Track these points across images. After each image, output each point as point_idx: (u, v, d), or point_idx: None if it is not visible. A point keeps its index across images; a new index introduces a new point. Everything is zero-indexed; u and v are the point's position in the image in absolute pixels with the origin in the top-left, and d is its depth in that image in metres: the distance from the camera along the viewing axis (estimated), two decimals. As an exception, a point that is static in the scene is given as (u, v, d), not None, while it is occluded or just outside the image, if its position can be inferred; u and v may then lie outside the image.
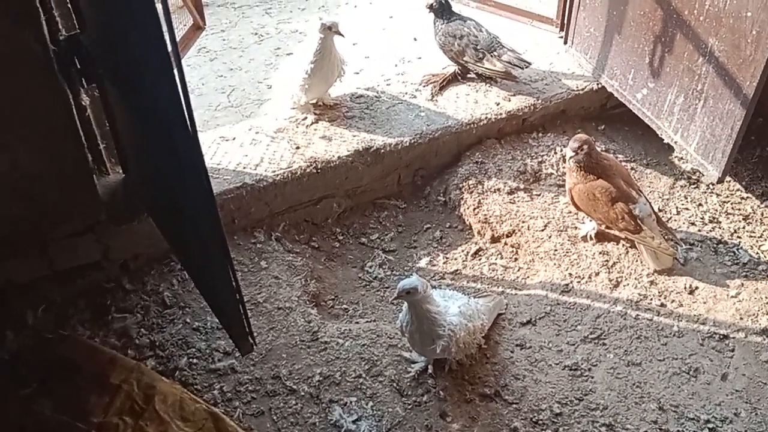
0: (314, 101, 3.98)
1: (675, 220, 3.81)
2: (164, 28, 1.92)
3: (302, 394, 3.00)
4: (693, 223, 3.79)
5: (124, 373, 2.90)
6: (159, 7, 1.92)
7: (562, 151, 4.03)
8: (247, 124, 3.93)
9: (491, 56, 4.06)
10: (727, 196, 3.94)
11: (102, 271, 3.39)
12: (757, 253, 3.63)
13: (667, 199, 3.93)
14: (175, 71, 1.95)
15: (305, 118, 3.92)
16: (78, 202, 3.12)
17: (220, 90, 5.05)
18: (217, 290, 2.58)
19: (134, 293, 3.37)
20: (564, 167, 3.96)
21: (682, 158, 4.13)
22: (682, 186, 4.02)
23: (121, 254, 3.40)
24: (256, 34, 5.46)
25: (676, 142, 3.70)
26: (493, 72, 4.09)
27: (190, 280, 3.39)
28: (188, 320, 3.28)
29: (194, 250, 2.67)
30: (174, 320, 3.28)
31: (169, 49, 1.91)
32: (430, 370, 3.07)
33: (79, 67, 2.86)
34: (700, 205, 3.90)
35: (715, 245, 3.67)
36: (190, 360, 3.12)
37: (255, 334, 3.15)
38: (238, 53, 5.27)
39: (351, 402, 2.98)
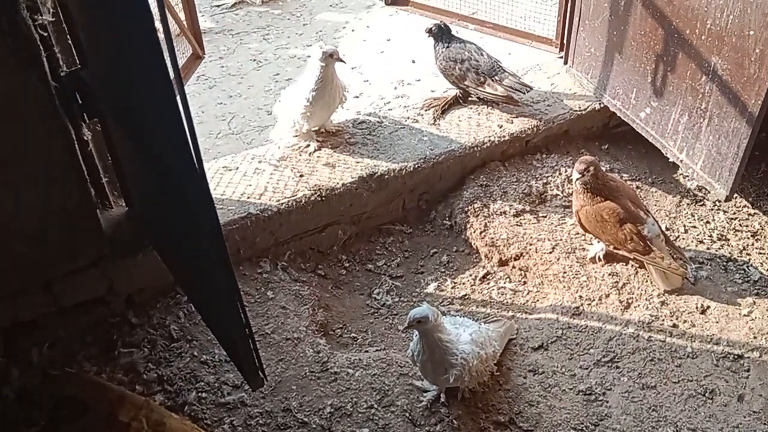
0: (316, 128, 3.97)
1: (683, 239, 3.79)
2: (167, 59, 1.90)
3: (314, 426, 2.95)
4: (701, 242, 3.77)
5: (133, 411, 2.85)
6: (161, 36, 1.89)
7: (566, 172, 4.02)
8: (250, 153, 3.91)
9: (492, 81, 4.07)
10: (734, 213, 3.93)
11: (107, 305, 3.35)
12: None
13: (674, 218, 3.91)
14: (180, 106, 1.92)
15: (308, 145, 3.91)
16: (82, 237, 3.10)
17: (220, 117, 5.05)
18: (225, 326, 2.55)
19: (140, 327, 3.33)
20: (570, 188, 3.94)
21: (687, 176, 4.12)
22: (688, 204, 4.00)
23: (126, 288, 3.36)
24: (254, 60, 5.47)
25: (681, 161, 3.69)
26: (494, 96, 4.10)
27: (197, 313, 3.36)
28: (196, 353, 3.24)
29: (202, 285, 2.63)
30: (181, 354, 3.24)
31: (173, 82, 1.89)
32: (442, 399, 3.03)
33: (80, 102, 2.85)
34: (708, 222, 3.88)
35: (724, 263, 3.65)
36: (199, 394, 3.08)
37: (264, 365, 3.13)
38: (237, 80, 5.28)
39: (363, 434, 2.94)
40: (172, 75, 1.85)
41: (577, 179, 3.38)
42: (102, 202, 3.34)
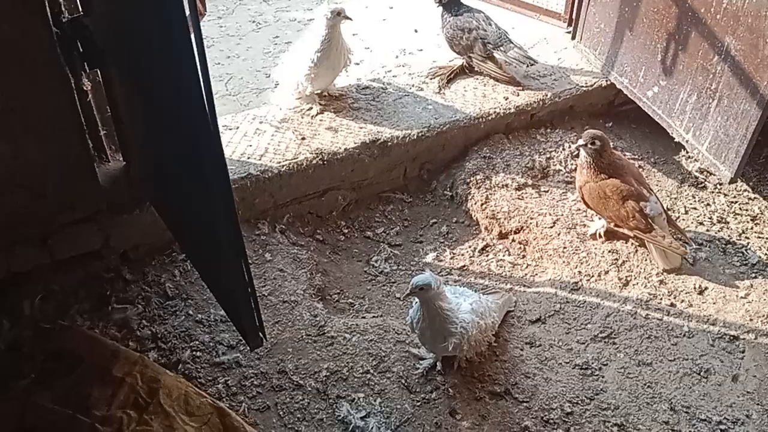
0: (320, 91, 3.90)
1: (683, 220, 3.78)
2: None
3: (309, 389, 2.93)
4: (701, 223, 3.77)
5: (128, 366, 2.81)
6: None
7: (570, 147, 3.99)
8: (251, 113, 3.84)
9: (499, 52, 4.01)
10: (735, 197, 3.92)
11: (102, 260, 3.29)
12: (766, 254, 3.61)
13: (675, 199, 3.90)
14: (195, 50, 1.84)
15: (310, 108, 3.84)
16: (79, 190, 3.02)
17: (217, 78, 4.95)
18: (227, 284, 2.50)
19: (135, 284, 3.28)
20: (572, 164, 3.92)
21: (690, 157, 4.11)
22: (689, 186, 3.99)
23: (121, 244, 3.30)
24: (253, 21, 5.37)
25: (687, 141, 3.67)
26: (498, 75, 4.06)
27: (193, 271, 3.31)
28: (191, 312, 3.19)
29: (204, 243, 2.58)
30: (176, 312, 3.19)
31: (189, 24, 1.81)
32: (438, 367, 3.02)
33: (81, 50, 2.76)
34: (708, 205, 3.88)
35: (723, 246, 3.65)
36: (194, 353, 3.04)
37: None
38: (235, 41, 5.18)
39: (359, 398, 2.91)
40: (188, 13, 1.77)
41: (579, 146, 3.36)
42: (99, 155, 3.27)
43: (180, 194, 2.62)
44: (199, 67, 1.81)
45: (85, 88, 2.90)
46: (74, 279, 3.22)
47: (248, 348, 2.80)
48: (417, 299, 2.81)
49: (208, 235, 2.44)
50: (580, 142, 3.40)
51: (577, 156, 3.86)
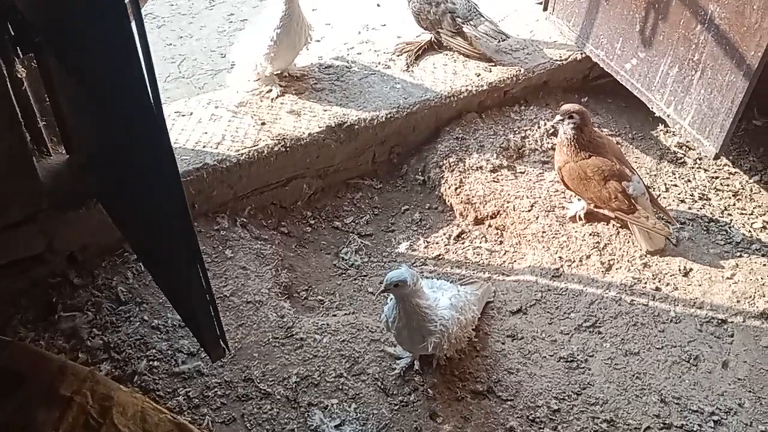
0: (280, 72, 3.63)
1: (664, 198, 3.63)
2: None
3: (278, 397, 2.73)
4: (683, 201, 3.63)
5: (76, 383, 2.55)
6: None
7: (546, 125, 3.79)
8: (205, 97, 3.56)
9: (468, 26, 3.78)
10: (715, 172, 3.79)
11: (46, 264, 3.03)
12: (750, 231, 3.49)
13: (655, 176, 3.75)
14: (136, 36, 1.61)
15: (270, 90, 3.58)
16: (16, 187, 2.76)
17: (169, 59, 4.73)
18: (182, 290, 2.26)
19: (84, 288, 3.03)
20: (549, 142, 3.74)
21: (668, 132, 3.95)
22: (669, 161, 3.85)
23: (67, 245, 3.04)
24: (207, -2, 5.07)
25: (668, 116, 3.51)
26: (468, 51, 3.84)
27: (147, 272, 3.05)
28: (146, 318, 2.95)
29: (155, 245, 2.33)
30: (130, 318, 2.95)
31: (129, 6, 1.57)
32: (416, 366, 2.84)
33: (12, 33, 2.50)
34: (689, 181, 3.74)
35: (706, 224, 3.52)
36: (150, 363, 2.81)
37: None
38: (187, 20, 4.92)
39: (332, 405, 2.73)
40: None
41: (557, 122, 3.20)
42: (39, 149, 3.03)
43: (126, 190, 2.37)
44: (138, 43, 1.58)
45: (19, 76, 2.65)
46: (15, 287, 2.96)
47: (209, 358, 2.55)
48: (392, 296, 2.60)
49: (158, 236, 2.19)
50: (557, 118, 3.23)
51: (555, 134, 3.69)
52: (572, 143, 3.22)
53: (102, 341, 2.86)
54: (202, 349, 2.68)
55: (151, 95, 1.68)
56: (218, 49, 4.72)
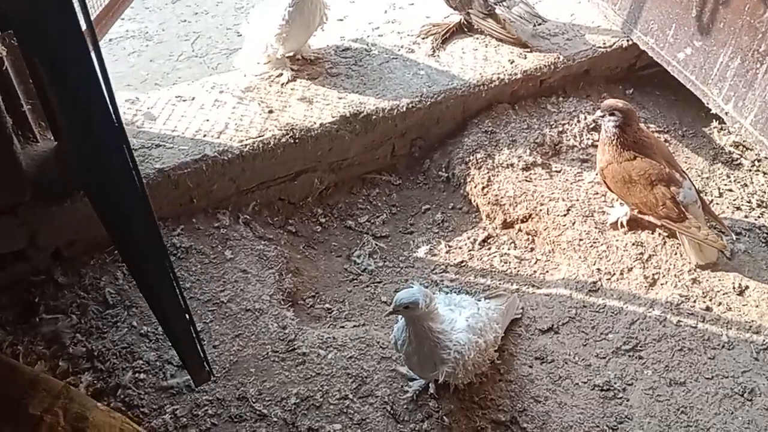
0: (292, 54, 3.32)
1: (717, 204, 3.26)
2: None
3: (274, 419, 2.46)
4: (738, 208, 3.25)
5: (48, 400, 2.29)
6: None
7: (586, 119, 3.42)
8: (210, 81, 3.26)
9: (502, 6, 3.43)
10: (776, 176, 3.39)
11: (28, 261, 2.81)
12: (815, 245, 3.09)
13: (707, 179, 3.37)
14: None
15: (280, 74, 3.28)
16: (-6, 176, 2.52)
17: (183, 37, 4.55)
18: (162, 309, 1.96)
19: (69, 288, 2.79)
20: (589, 138, 3.37)
21: (723, 129, 3.55)
22: (723, 163, 3.45)
23: (52, 241, 2.82)
24: (226, -28, 4.82)
25: (726, 113, 3.11)
26: (500, 34, 3.49)
27: (137, 275, 2.78)
28: (135, 324, 2.68)
29: (130, 253, 2.04)
30: (117, 323, 2.69)
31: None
32: (431, 390, 2.54)
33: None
34: (746, 185, 3.35)
35: (765, 235, 3.14)
36: (136, 375, 2.55)
37: (217, 342, 2.66)
38: (204, -6, 4.73)
39: (335, 431, 2.44)
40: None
41: (597, 118, 2.84)
42: (23, 134, 2.78)
43: (97, 187, 2.07)
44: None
45: (-1, 54, 2.43)
46: (-6, 284, 2.71)
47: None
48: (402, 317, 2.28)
49: (126, 241, 1.90)
50: (598, 113, 2.87)
51: (595, 129, 3.33)
52: (615, 142, 2.88)
53: (85, 348, 2.61)
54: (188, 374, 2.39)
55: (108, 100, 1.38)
56: (234, 27, 4.54)
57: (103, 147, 1.55)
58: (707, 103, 3.22)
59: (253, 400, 2.49)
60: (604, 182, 2.99)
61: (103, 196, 1.96)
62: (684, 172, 3.02)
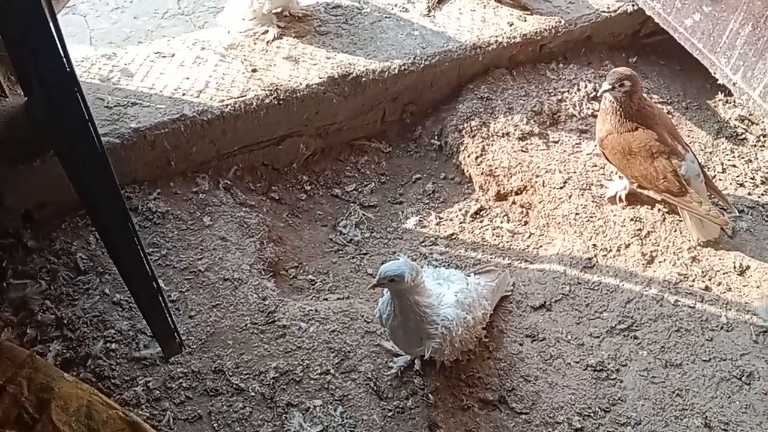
0: (279, 10, 3.16)
1: (720, 180, 3.14)
2: None
3: (252, 394, 2.35)
4: (741, 184, 3.13)
5: (12, 370, 2.17)
6: None
7: (586, 87, 3.28)
8: (191, 37, 3.10)
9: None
10: (782, 151, 3.26)
11: None
12: (820, 224, 2.97)
13: (710, 153, 3.24)
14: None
15: (266, 32, 3.13)
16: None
17: None
18: (129, 276, 1.83)
19: (38, 253, 2.66)
20: (589, 108, 3.23)
21: (728, 102, 3.42)
22: (727, 137, 3.32)
23: (21, 202, 2.68)
24: None
25: (734, 84, 2.96)
26: None
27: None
28: (107, 291, 2.57)
29: (94, 216, 1.89)
30: (89, 290, 2.57)
31: None
32: (417, 367, 2.44)
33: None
34: (750, 161, 3.23)
35: (768, 213, 3.01)
36: (108, 345, 2.43)
37: (193, 312, 2.54)
38: (193, -54, 4.50)
39: (315, 407, 2.34)
40: None
41: (606, 91, 2.68)
42: None
43: (55, 138, 1.92)
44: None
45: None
46: (-42, 247, 2.58)
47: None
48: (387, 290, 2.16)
49: (89, 202, 1.75)
50: (606, 86, 2.71)
51: (596, 99, 3.18)
52: (618, 112, 2.74)
53: (54, 316, 2.49)
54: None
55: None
56: (223, -18, 4.31)
57: (54, 95, 1.39)
58: (714, 73, 3.06)
59: (230, 374, 2.38)
60: (603, 153, 2.86)
61: (64, 152, 1.81)
62: (687, 144, 2.88)
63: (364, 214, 3.03)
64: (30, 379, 2.17)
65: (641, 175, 2.80)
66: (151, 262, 1.88)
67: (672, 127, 2.89)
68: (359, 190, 3.12)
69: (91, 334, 2.45)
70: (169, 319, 1.84)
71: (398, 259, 2.10)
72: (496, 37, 3.23)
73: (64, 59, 1.39)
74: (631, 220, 2.89)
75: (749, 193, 3.09)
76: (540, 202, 2.99)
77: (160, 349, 2.40)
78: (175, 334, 1.92)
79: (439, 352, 2.25)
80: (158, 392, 2.34)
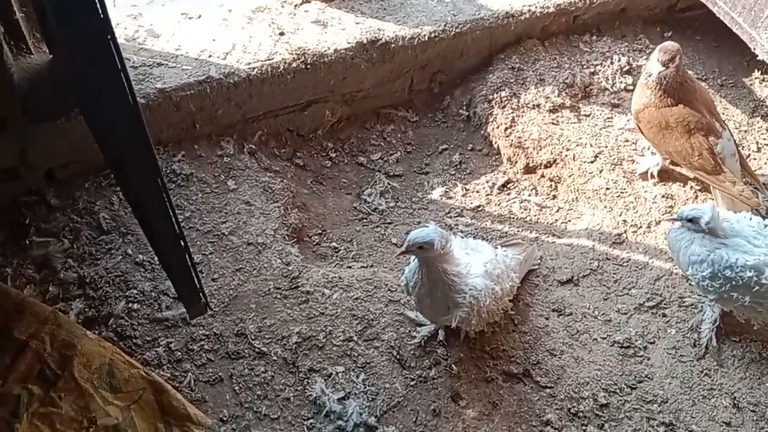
0: (308, -27, 3.08)
1: (754, 159, 3.07)
2: None
3: (274, 358, 2.33)
4: (776, 165, 3.04)
5: (35, 325, 2.17)
6: None
7: (620, 61, 3.20)
8: (220, -2, 3.03)
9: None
10: (820, 133, 3.17)
11: (20, 180, 2.64)
12: None
13: (745, 132, 3.17)
14: None
15: (295, -6, 3.05)
16: (-21, 87, 2.33)
17: None
18: (155, 234, 1.80)
19: (61, 211, 2.63)
20: (622, 81, 3.16)
21: (765, 80, 3.32)
22: (762, 116, 3.23)
23: (44, 160, 2.65)
24: None
25: (775, 59, 2.87)
26: None
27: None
28: (130, 251, 2.54)
29: (122, 171, 1.86)
30: (111, 250, 2.55)
31: None
32: (440, 337, 2.41)
33: None
34: (786, 141, 3.13)
35: (804, 194, 2.93)
36: (130, 305, 2.42)
37: (216, 275, 2.51)
38: None
39: (337, 373, 2.32)
40: None
41: (660, 72, 2.59)
42: (16, 44, 2.58)
43: (84, 90, 1.89)
44: None
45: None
46: (-17, 203, 2.57)
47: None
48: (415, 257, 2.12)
49: (120, 160, 1.71)
50: (657, 68, 2.63)
51: (629, 72, 3.11)
52: (659, 85, 2.65)
53: (77, 274, 2.47)
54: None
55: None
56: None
57: (87, 42, 1.35)
58: (754, 49, 2.97)
59: (252, 337, 2.36)
60: (638, 127, 2.78)
61: (93, 104, 1.77)
62: (724, 122, 2.81)
63: (389, 183, 2.98)
64: (53, 335, 2.17)
65: (676, 151, 2.73)
66: (177, 220, 1.85)
67: (711, 104, 2.82)
68: (384, 158, 3.07)
69: (114, 293, 2.43)
70: (196, 279, 1.81)
71: (427, 226, 2.05)
72: (529, 6, 3.15)
73: (98, 3, 1.35)
74: (663, 196, 2.83)
75: (784, 174, 3.01)
76: (570, 176, 2.92)
77: (182, 310, 2.39)
78: (201, 295, 1.89)
79: (466, 322, 2.21)
80: (180, 353, 2.32)
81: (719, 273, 2.27)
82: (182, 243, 1.68)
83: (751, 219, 2.38)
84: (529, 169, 3.01)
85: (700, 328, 2.49)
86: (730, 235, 2.29)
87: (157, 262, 2.51)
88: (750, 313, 2.36)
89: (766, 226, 2.35)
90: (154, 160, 1.47)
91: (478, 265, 2.24)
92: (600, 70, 3.19)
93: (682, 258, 2.37)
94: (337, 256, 2.73)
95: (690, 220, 2.29)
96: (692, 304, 2.56)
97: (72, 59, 1.68)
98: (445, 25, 3.02)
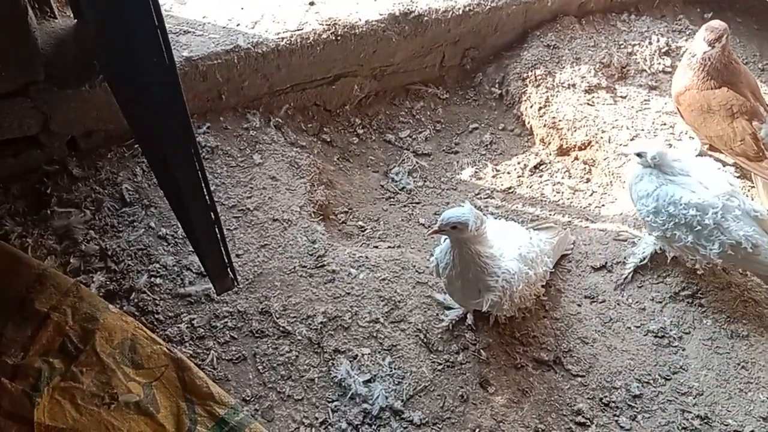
0: (339, -58, 2.98)
1: (795, 147, 2.93)
2: None
3: (299, 338, 2.27)
4: (819, 153, 2.92)
5: (56, 297, 2.13)
6: None
7: (659, 41, 3.10)
8: (248, -35, 2.93)
9: None
10: None
11: (42, 149, 2.59)
12: None
13: (786, 118, 3.03)
14: None
15: (326, -37, 2.94)
16: (5, 52, 2.27)
17: None
18: (182, 203, 1.73)
19: (84, 182, 2.57)
20: (660, 63, 3.05)
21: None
22: (806, 102, 3.11)
23: (67, 128, 2.58)
24: None
25: (824, 42, 2.76)
26: None
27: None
28: (153, 225, 2.49)
29: (152, 142, 1.79)
30: (134, 223, 2.50)
31: None
32: (469, 321, 2.34)
33: None
34: (829, 129, 3.01)
35: None
36: (152, 279, 2.36)
37: (241, 251, 2.45)
38: None
39: (363, 355, 2.26)
40: None
41: (705, 53, 2.49)
42: (40, 8, 2.54)
43: (117, 65, 1.81)
44: None
45: None
46: (4, 171, 2.53)
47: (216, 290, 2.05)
48: (446, 238, 2.05)
49: (153, 127, 1.65)
50: (703, 47, 2.53)
51: (668, 54, 3.00)
52: (702, 66, 2.55)
53: (98, 247, 2.42)
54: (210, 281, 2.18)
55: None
56: None
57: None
58: (801, 31, 2.87)
59: (277, 316, 2.30)
60: (678, 110, 2.69)
61: (125, 66, 1.70)
62: (768, 106, 2.71)
63: (417, 162, 2.90)
64: (75, 308, 2.12)
65: (717, 136, 2.64)
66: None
67: (756, 87, 2.71)
68: (413, 136, 2.99)
69: (136, 267, 2.38)
70: (225, 252, 1.75)
71: (463, 205, 1.98)
72: (567, -18, 3.06)
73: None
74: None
75: (827, 163, 2.91)
76: (604, 159, 2.84)
77: (206, 286, 2.35)
78: (229, 269, 1.82)
79: (497, 306, 2.14)
80: (202, 330, 2.27)
81: (663, 209, 2.31)
82: (213, 215, 1.62)
83: (708, 162, 2.41)
84: (562, 151, 2.92)
85: (626, 260, 2.51)
86: (680, 173, 2.31)
87: (180, 236, 2.46)
88: (693, 254, 2.37)
89: (719, 169, 2.38)
90: (189, 126, 1.40)
91: (511, 248, 2.17)
92: (638, 51, 3.09)
93: (633, 194, 2.41)
94: (363, 236, 2.67)
95: (638, 155, 2.34)
96: (625, 239, 2.59)
97: (104, 21, 1.61)
98: (479, -1, 2.93)
